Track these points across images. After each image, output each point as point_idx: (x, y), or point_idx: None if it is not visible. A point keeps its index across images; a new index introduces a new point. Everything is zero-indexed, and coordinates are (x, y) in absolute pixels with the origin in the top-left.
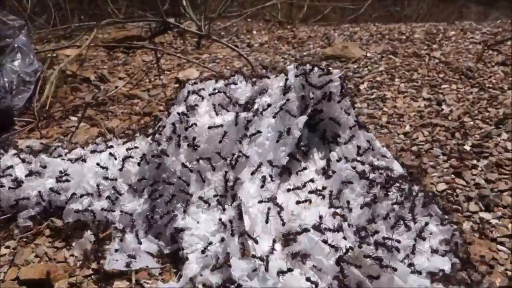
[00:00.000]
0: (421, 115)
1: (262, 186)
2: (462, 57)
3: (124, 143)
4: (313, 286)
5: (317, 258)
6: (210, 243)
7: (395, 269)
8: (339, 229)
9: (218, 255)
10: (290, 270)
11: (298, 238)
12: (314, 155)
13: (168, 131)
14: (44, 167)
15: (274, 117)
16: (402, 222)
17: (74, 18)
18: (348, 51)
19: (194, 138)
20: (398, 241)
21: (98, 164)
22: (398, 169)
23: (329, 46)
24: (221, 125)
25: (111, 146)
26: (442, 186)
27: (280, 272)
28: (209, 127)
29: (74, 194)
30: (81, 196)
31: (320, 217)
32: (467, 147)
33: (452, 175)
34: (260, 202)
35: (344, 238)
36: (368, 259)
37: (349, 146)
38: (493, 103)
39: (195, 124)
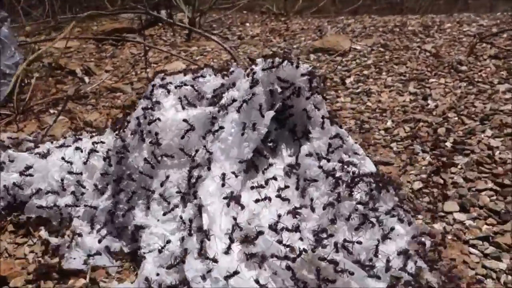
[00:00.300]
0: (404, 110)
1: (223, 185)
2: (454, 50)
3: (91, 137)
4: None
5: (272, 260)
6: (168, 242)
7: (351, 273)
8: (296, 229)
9: (176, 254)
10: (236, 272)
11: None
12: (282, 151)
13: (133, 126)
14: (12, 161)
15: (238, 111)
16: (366, 222)
17: (71, 10)
18: (338, 44)
19: (156, 134)
20: (359, 243)
21: (62, 158)
22: (369, 167)
23: (320, 39)
24: (185, 120)
25: (79, 140)
26: (418, 185)
27: (228, 276)
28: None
29: (39, 189)
30: (47, 193)
31: (279, 216)
32: (449, 144)
33: (430, 173)
34: (225, 198)
35: (301, 239)
36: (323, 262)
37: (319, 143)
38: (481, 97)
39: (159, 119)
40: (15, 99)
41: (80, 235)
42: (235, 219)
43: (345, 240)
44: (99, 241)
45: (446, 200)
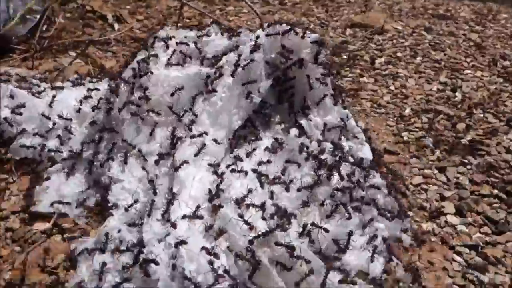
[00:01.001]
0: (428, 100)
1: (195, 155)
2: (502, 43)
3: (91, 83)
4: (211, 260)
5: (231, 233)
6: (136, 201)
7: (307, 262)
8: (261, 207)
9: (142, 214)
10: (183, 242)
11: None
12: (275, 125)
13: (126, 77)
14: (12, 97)
15: (233, 76)
16: (340, 211)
17: None
18: (378, 21)
19: (146, 88)
20: (326, 230)
21: (51, 102)
22: (366, 153)
23: (362, 14)
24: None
25: (78, 85)
26: (418, 180)
27: (178, 243)
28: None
29: (23, 129)
30: (34, 134)
31: (249, 191)
32: (465, 141)
33: (435, 170)
34: (210, 165)
35: (264, 218)
36: (279, 247)
37: (317, 120)
38: None
39: (151, 72)
40: (38, 36)
41: (47, 178)
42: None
43: (312, 224)
44: (72, 189)
45: (444, 201)
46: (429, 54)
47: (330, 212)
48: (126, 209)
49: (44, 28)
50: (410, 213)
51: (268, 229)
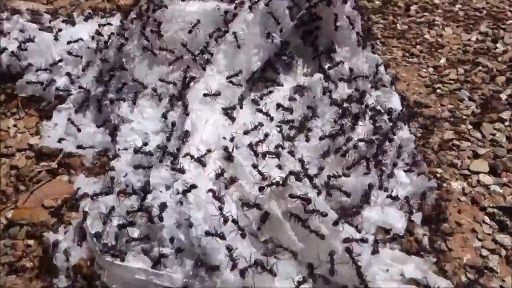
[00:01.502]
0: (465, 50)
1: (205, 95)
2: None
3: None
4: (220, 206)
5: (242, 182)
6: (146, 144)
7: (324, 215)
8: (277, 155)
9: (149, 158)
10: (193, 186)
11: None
12: (298, 68)
13: (139, 11)
14: (22, 31)
15: (253, 12)
16: (363, 162)
17: None
18: None
19: (159, 23)
20: (347, 175)
21: (55, 35)
22: (395, 104)
23: None
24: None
25: (90, 19)
26: (449, 135)
27: (186, 190)
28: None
29: (29, 64)
30: (42, 69)
31: (266, 135)
32: (503, 96)
33: (469, 125)
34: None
35: (279, 167)
36: (294, 199)
37: (344, 65)
38: None
39: (165, 7)
40: None
41: (59, 109)
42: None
43: (329, 177)
44: (79, 129)
45: (477, 158)
46: (469, 2)
47: (352, 164)
48: (136, 151)
49: None
50: (439, 170)
51: (282, 179)
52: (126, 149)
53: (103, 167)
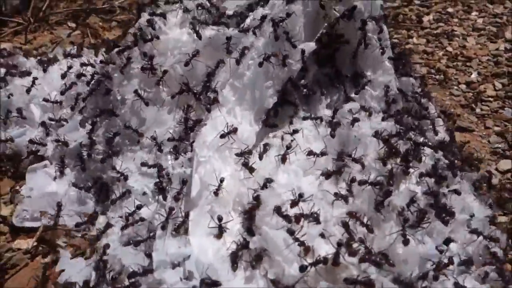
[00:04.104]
0: (497, 61)
1: (222, 136)
2: None
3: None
4: None
5: (275, 258)
6: (139, 207)
7: None
8: (315, 218)
9: (150, 225)
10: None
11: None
12: (319, 99)
13: (127, 45)
14: None
15: (264, 36)
16: (425, 221)
17: None
18: None
19: (151, 57)
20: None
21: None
22: (441, 134)
23: None
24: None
25: (72, 57)
26: (506, 165)
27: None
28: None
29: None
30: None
31: (300, 195)
32: None
33: None
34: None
35: (322, 236)
36: (351, 286)
37: (374, 91)
38: None
39: (157, 37)
40: (32, 6)
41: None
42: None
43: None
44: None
45: None
46: (486, 8)
47: (416, 223)
48: (127, 219)
49: None
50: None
51: (331, 253)
52: (120, 217)
53: (93, 243)
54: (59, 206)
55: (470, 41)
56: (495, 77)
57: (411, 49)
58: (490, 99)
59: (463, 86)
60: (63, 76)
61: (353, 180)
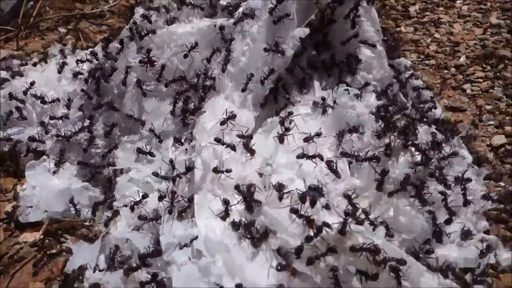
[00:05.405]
0: (484, 44)
1: (222, 123)
2: None
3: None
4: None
5: (280, 236)
6: (145, 196)
7: (401, 262)
8: (319, 191)
9: (154, 212)
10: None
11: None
12: (314, 83)
13: (123, 39)
14: None
15: (257, 24)
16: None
17: None
18: None
19: (148, 51)
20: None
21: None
22: (437, 112)
23: None
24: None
25: (66, 57)
26: (499, 140)
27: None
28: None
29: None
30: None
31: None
32: None
33: None
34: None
35: (327, 207)
36: (358, 253)
37: (370, 73)
38: None
39: (153, 31)
40: (21, 13)
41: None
42: (227, 171)
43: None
44: (63, 186)
45: None
46: None
47: (416, 195)
48: (132, 208)
49: (29, 5)
50: (502, 184)
51: (333, 224)
52: (125, 205)
53: (99, 232)
54: (72, 201)
55: (457, 27)
56: (483, 59)
57: (400, 37)
58: (480, 80)
59: (453, 70)
60: (59, 71)
61: (346, 154)
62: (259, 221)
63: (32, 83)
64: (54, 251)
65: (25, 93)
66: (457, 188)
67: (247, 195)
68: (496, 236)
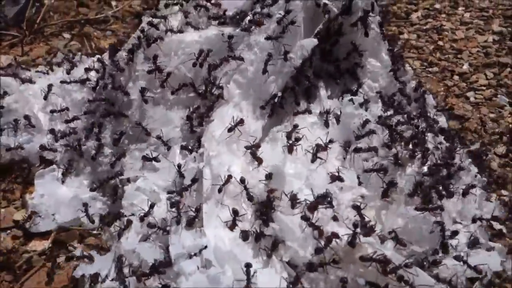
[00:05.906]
0: (486, 52)
1: (230, 129)
2: None
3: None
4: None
5: (290, 245)
6: (152, 206)
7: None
8: (329, 202)
9: (162, 221)
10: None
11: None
12: (321, 92)
13: (131, 47)
14: None
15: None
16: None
17: None
18: None
19: (155, 57)
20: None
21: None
22: (441, 121)
23: None
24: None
25: (74, 66)
26: (503, 148)
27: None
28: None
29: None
30: (15, 129)
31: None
32: None
33: None
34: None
35: (335, 218)
36: (367, 263)
37: (374, 82)
38: None
39: (161, 38)
40: (26, 19)
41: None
42: (243, 182)
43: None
44: (72, 195)
45: None
46: (472, 3)
47: (424, 205)
48: (142, 219)
49: (33, 11)
50: (504, 192)
51: (343, 236)
52: (133, 214)
53: (113, 240)
54: (86, 207)
55: (459, 34)
56: (486, 67)
57: (404, 43)
58: (483, 87)
59: (456, 77)
60: (67, 79)
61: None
62: (269, 230)
63: (50, 87)
64: (62, 260)
65: (45, 97)
66: (464, 198)
67: (266, 201)
68: (504, 245)
